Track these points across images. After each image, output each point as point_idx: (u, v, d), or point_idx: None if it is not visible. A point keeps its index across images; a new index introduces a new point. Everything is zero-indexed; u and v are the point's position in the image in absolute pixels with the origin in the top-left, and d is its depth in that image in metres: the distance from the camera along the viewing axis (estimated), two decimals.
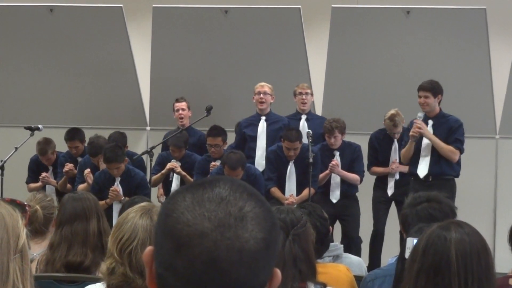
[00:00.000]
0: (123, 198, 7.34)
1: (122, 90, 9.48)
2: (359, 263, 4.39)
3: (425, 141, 7.41)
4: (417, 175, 7.41)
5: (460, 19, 8.77)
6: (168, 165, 7.99)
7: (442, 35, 8.78)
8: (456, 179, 7.46)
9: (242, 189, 1.25)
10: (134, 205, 2.81)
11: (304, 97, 8.20)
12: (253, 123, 8.15)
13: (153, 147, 7.80)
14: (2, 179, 7.84)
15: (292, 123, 8.10)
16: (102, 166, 7.73)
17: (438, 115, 7.47)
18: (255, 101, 8.15)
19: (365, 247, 7.98)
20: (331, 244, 4.16)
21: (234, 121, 8.52)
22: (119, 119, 9.39)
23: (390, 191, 8.05)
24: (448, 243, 2.22)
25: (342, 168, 7.87)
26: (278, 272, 1.27)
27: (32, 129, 8.15)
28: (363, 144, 8.14)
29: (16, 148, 7.84)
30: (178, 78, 9.25)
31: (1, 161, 7.82)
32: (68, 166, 8.22)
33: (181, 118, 8.42)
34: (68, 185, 8.27)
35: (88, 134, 8.40)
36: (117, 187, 7.48)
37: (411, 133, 7.32)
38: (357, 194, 8.00)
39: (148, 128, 9.67)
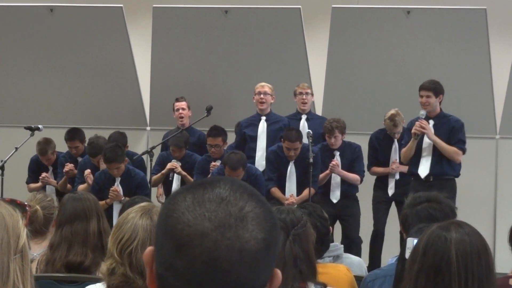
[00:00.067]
0: (123, 198, 7.34)
1: (122, 90, 9.48)
2: (359, 263, 4.39)
3: (426, 141, 7.41)
4: (417, 175, 7.41)
5: (460, 19, 8.77)
6: (169, 165, 7.99)
7: (442, 35, 8.78)
8: (456, 179, 7.47)
9: (243, 189, 1.25)
10: (134, 205, 2.81)
11: (304, 97, 8.20)
12: (253, 123, 8.15)
13: (153, 147, 7.79)
14: (2, 179, 7.84)
15: (292, 123, 8.10)
16: (103, 166, 7.72)
17: (439, 115, 7.47)
18: (255, 101, 8.14)
19: (365, 247, 7.98)
20: (331, 244, 4.16)
21: (234, 121, 8.52)
22: (119, 119, 9.39)
23: (391, 191, 8.04)
24: (448, 243, 2.22)
25: (342, 168, 7.87)
26: (278, 272, 1.27)
27: (32, 129, 8.15)
28: (363, 144, 8.14)
29: (16, 148, 7.84)
30: (178, 78, 9.25)
31: (1, 161, 7.82)
32: (68, 166, 8.22)
33: (181, 117, 8.42)
34: (68, 185, 8.27)
35: (88, 134, 8.39)
36: (117, 187, 7.47)
37: (413, 130, 7.31)
38: (357, 194, 8.00)
39: (148, 128, 9.67)
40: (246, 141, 8.11)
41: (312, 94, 8.35)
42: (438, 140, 7.34)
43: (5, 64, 9.54)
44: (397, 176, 8.05)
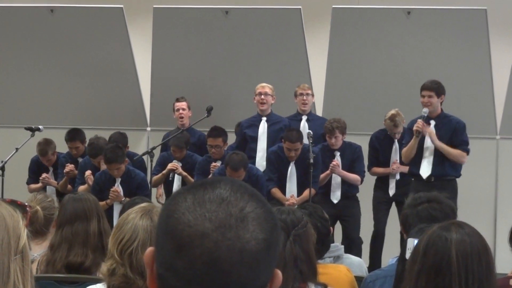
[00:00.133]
0: (123, 198, 7.34)
1: (123, 90, 9.48)
2: (359, 263, 4.39)
3: (427, 141, 7.41)
4: (418, 176, 7.41)
5: (461, 19, 8.77)
6: (169, 166, 7.99)
7: (443, 36, 8.78)
8: (457, 179, 7.47)
9: (243, 190, 1.25)
10: (135, 206, 2.81)
11: (304, 97, 8.20)
12: (254, 123, 8.15)
13: (154, 148, 7.79)
14: (2, 179, 7.84)
15: (292, 123, 8.10)
16: (103, 167, 7.72)
17: (440, 116, 7.47)
18: (256, 102, 8.14)
19: (365, 248, 7.98)
20: (332, 244, 4.16)
21: (235, 121, 8.53)
22: (120, 120, 9.39)
23: (391, 192, 8.04)
24: (448, 244, 2.22)
25: (343, 168, 7.87)
26: (279, 272, 1.27)
27: (32, 130, 8.16)
28: (364, 144, 8.13)
29: (17, 149, 7.84)
30: (178, 79, 9.25)
31: (2, 161, 7.82)
32: (69, 167, 8.22)
33: (181, 117, 8.42)
34: (69, 186, 8.27)
35: (89, 135, 8.39)
36: (118, 187, 7.47)
37: (414, 127, 7.30)
38: (357, 194, 8.00)
39: (148, 128, 9.66)
40: (247, 142, 8.11)
41: (313, 95, 8.35)
42: (444, 146, 7.35)
43: (5, 65, 9.54)
44: (398, 177, 8.04)
